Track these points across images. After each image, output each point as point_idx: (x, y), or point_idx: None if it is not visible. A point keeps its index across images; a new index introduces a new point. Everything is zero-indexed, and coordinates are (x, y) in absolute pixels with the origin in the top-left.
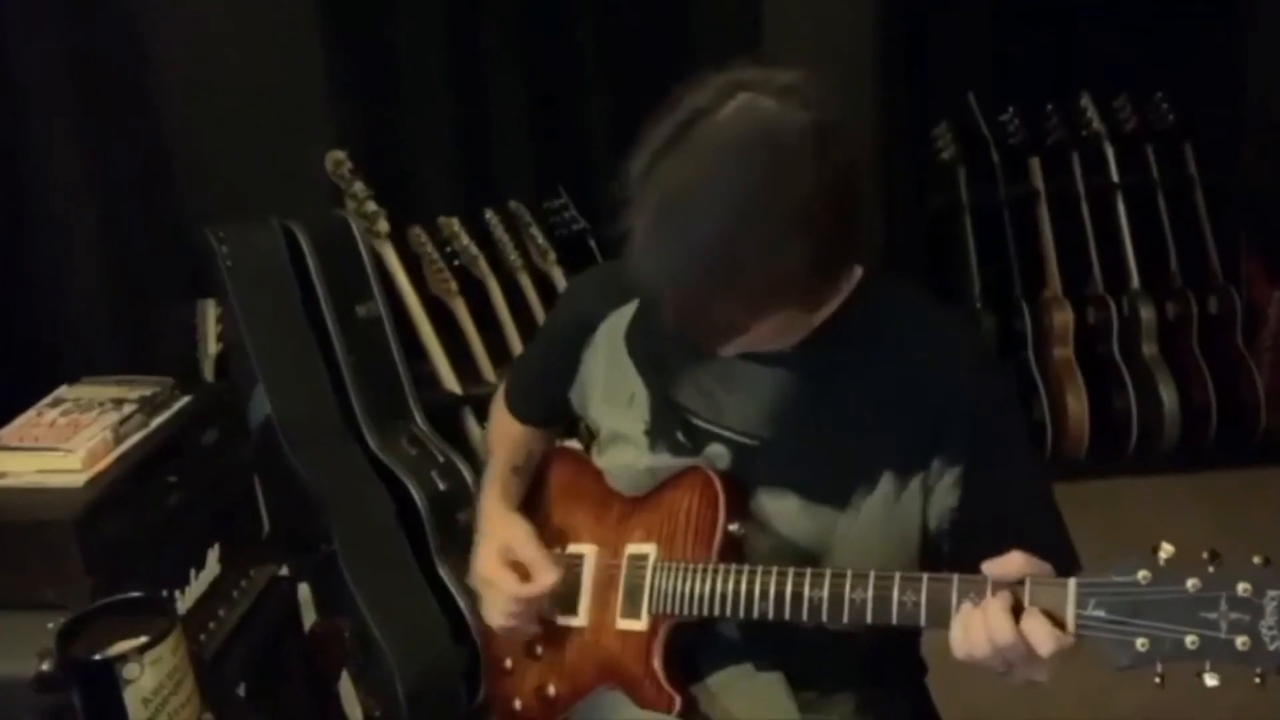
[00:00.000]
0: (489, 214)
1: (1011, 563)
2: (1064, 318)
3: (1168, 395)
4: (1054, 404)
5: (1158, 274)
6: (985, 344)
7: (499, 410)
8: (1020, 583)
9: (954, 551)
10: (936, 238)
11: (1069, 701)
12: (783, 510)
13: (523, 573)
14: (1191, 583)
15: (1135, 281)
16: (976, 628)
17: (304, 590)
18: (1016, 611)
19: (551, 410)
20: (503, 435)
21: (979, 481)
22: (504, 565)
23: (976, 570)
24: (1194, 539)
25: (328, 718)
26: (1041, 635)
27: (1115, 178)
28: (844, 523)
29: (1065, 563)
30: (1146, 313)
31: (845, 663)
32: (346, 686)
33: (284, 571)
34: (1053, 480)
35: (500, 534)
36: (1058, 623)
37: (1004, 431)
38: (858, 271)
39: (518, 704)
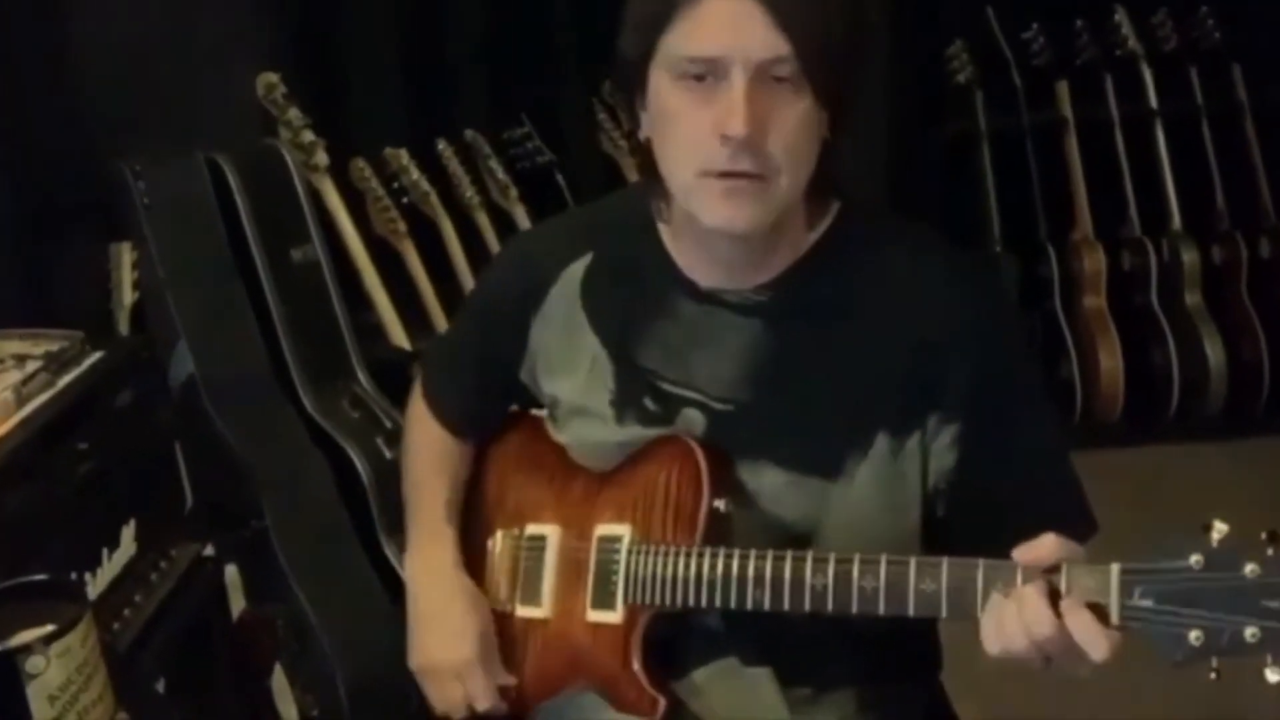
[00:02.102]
0: (441, 145)
1: (1044, 546)
2: (1095, 263)
3: (1213, 351)
4: (1084, 361)
5: (1202, 213)
6: (991, 280)
7: (418, 423)
8: (1055, 568)
9: (949, 518)
10: (951, 171)
11: (1096, 696)
12: (766, 484)
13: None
14: (1251, 568)
15: (1176, 222)
16: (1011, 620)
17: (231, 572)
18: (1053, 600)
19: (489, 408)
20: (435, 456)
21: (980, 440)
22: (483, 663)
23: (972, 541)
24: (1244, 514)
25: (259, 717)
26: (1089, 631)
27: (1154, 104)
28: (837, 494)
29: (1081, 532)
30: (1189, 257)
31: (844, 656)
32: (280, 682)
33: (209, 551)
34: (1079, 446)
35: (476, 619)
36: (1100, 613)
37: (1011, 382)
38: (834, 205)
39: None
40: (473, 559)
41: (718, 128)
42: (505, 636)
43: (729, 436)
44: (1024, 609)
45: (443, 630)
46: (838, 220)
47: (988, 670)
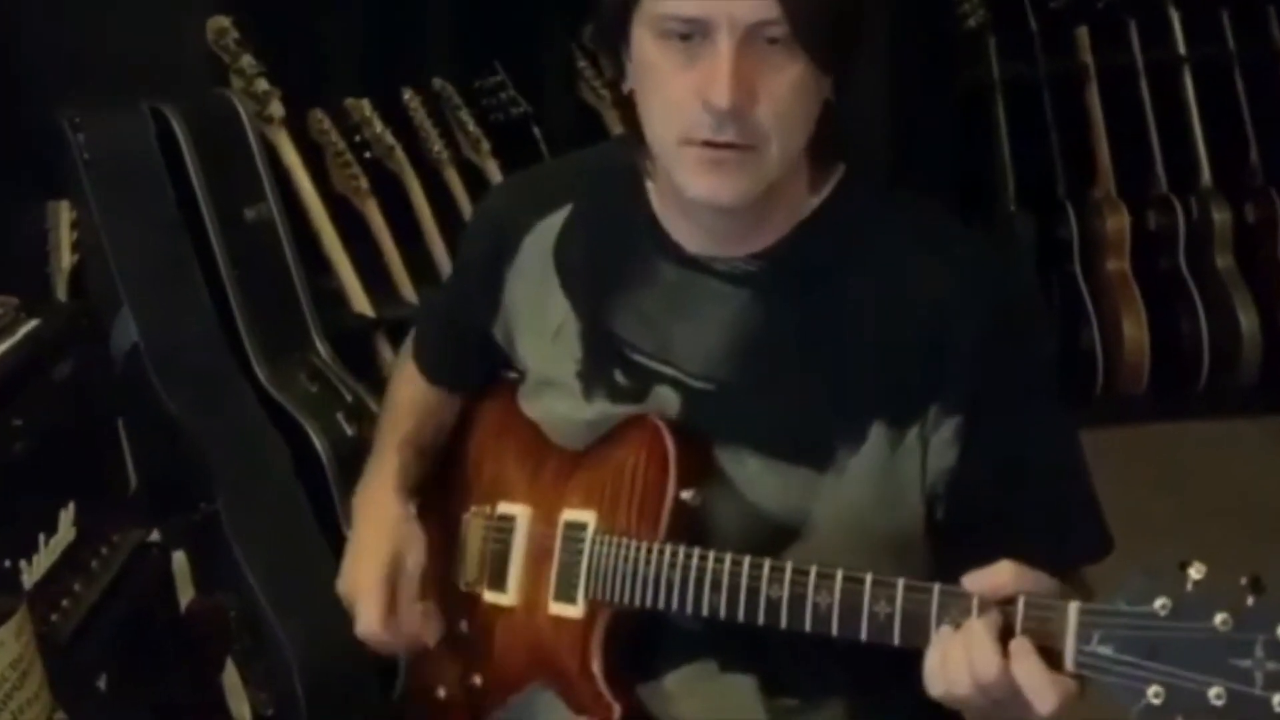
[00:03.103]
0: (407, 95)
1: (1000, 574)
2: (1119, 223)
3: (1246, 318)
4: (1106, 329)
5: (1234, 169)
6: (1003, 260)
7: (406, 369)
8: (1012, 601)
9: (949, 526)
10: (962, 124)
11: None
12: (748, 473)
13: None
14: (1221, 618)
15: (1206, 178)
16: (956, 658)
17: (179, 559)
18: (1005, 637)
19: (468, 362)
20: (408, 399)
21: (984, 438)
22: (385, 582)
23: (972, 554)
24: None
25: (209, 716)
26: (1035, 678)
27: (1182, 50)
28: (826, 487)
29: (1093, 550)
30: (1220, 216)
31: (836, 663)
32: (233, 678)
33: (155, 537)
34: (1101, 422)
35: (391, 539)
36: (1053, 657)
37: (1025, 376)
38: (838, 170)
39: (441, 692)
40: (452, 531)
41: (700, 94)
42: (475, 623)
43: (707, 419)
44: (971, 646)
45: (352, 552)
46: (840, 188)
47: None
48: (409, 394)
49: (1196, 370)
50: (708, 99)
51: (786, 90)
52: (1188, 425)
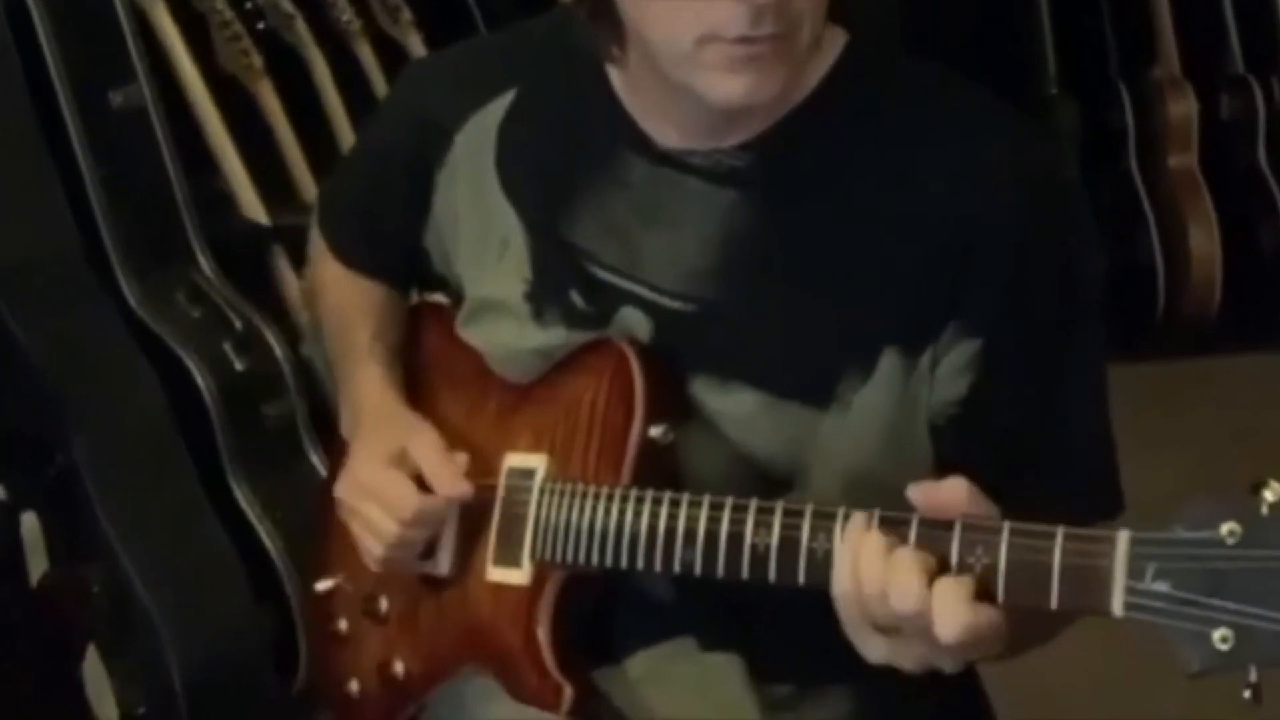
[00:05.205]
0: None
1: (949, 490)
2: (1184, 110)
3: None
4: (1169, 241)
5: None
6: (1049, 148)
7: (325, 256)
8: (948, 525)
9: (939, 465)
10: None
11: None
12: (734, 408)
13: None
14: None
15: None
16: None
17: (30, 523)
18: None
19: (391, 256)
20: (353, 291)
21: (1005, 368)
22: (394, 468)
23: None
24: None
25: (64, 714)
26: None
27: None
28: (827, 427)
29: (1103, 511)
30: None
31: (836, 638)
32: (95, 669)
33: (0, 496)
34: (1161, 353)
35: (391, 433)
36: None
37: (1063, 298)
38: (839, 39)
39: (354, 686)
40: None
41: None
42: (397, 598)
43: (683, 345)
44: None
45: (358, 447)
46: (843, 62)
47: (1032, 662)
48: (353, 286)
49: (1278, 291)
50: None
51: None
52: (1266, 357)
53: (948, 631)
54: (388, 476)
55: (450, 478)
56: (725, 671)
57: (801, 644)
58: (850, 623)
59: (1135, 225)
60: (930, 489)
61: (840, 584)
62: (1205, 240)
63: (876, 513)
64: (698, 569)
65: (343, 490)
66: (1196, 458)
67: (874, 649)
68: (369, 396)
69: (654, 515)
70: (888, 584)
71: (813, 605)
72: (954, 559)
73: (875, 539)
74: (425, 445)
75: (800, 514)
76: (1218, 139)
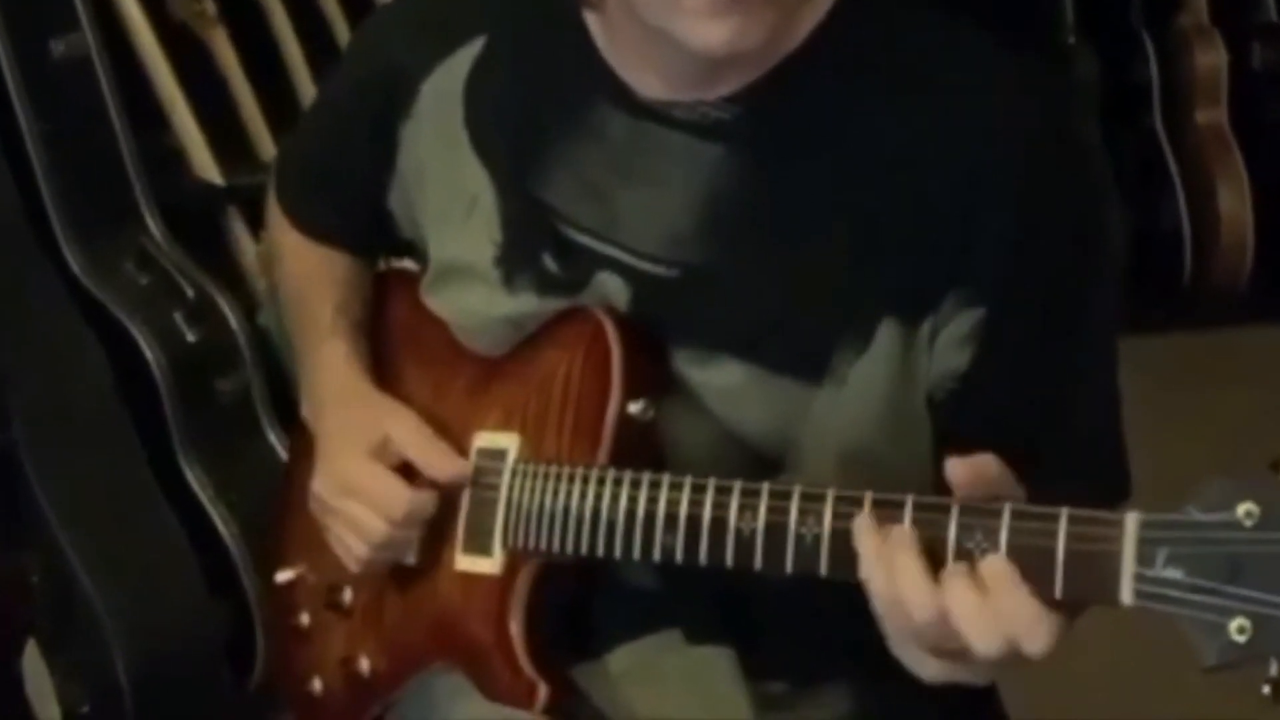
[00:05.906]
0: None
1: (982, 464)
2: (1213, 61)
3: None
4: (1196, 202)
5: None
6: (1060, 101)
7: (278, 215)
8: (995, 511)
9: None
10: None
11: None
12: (720, 383)
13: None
14: None
15: None
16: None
17: None
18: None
19: (355, 221)
20: (314, 259)
21: (1010, 340)
22: (377, 461)
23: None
24: None
25: (1, 713)
26: (1025, 609)
27: None
28: (821, 403)
29: (1111, 494)
30: None
31: (838, 632)
32: (35, 664)
33: None
34: (1189, 323)
35: (365, 419)
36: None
37: (1075, 261)
38: None
39: (317, 684)
40: None
41: None
42: (362, 590)
43: (665, 313)
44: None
45: (333, 442)
46: (840, 5)
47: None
48: (313, 253)
49: None
50: None
51: None
52: None
53: (1039, 646)
54: (372, 471)
55: (443, 459)
56: (715, 665)
57: (798, 636)
58: (900, 645)
59: (1160, 187)
60: (969, 464)
61: (893, 622)
62: (1235, 202)
63: (869, 495)
64: (679, 556)
65: (320, 486)
66: (1224, 437)
67: (929, 669)
68: (333, 376)
69: (632, 498)
70: (947, 612)
71: (810, 594)
72: (950, 543)
73: (911, 562)
74: (407, 430)
75: (787, 496)
76: (1249, 93)
